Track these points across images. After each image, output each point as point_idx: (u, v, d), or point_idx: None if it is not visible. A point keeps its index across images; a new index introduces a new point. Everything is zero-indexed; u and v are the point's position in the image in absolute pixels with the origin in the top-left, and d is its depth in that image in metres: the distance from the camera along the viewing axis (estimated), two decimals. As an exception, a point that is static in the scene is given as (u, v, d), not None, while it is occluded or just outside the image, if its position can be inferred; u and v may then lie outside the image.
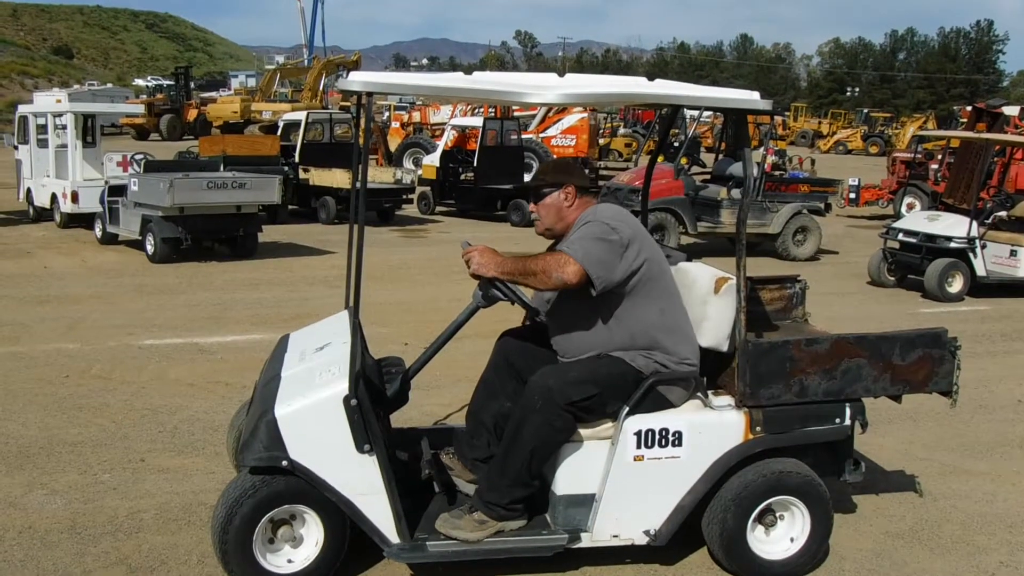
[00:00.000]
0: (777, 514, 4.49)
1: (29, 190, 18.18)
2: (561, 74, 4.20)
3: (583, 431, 4.26)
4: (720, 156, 17.29)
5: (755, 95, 4.33)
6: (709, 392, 4.46)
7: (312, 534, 4.19)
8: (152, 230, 13.44)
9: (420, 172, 21.36)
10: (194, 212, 13.30)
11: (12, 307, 10.29)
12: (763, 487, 4.36)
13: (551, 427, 4.13)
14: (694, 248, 15.91)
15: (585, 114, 27.99)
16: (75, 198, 16.25)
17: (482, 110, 25.99)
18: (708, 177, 16.46)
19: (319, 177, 18.74)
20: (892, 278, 13.15)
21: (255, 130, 37.45)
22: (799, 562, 4.50)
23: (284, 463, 3.99)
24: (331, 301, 10.74)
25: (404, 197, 19.63)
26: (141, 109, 36.14)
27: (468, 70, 4.21)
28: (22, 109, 19.03)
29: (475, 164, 20.16)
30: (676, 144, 25.59)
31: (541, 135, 27.67)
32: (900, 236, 12.84)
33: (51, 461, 5.75)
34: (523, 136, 22.95)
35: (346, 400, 3.97)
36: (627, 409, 4.23)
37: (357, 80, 3.98)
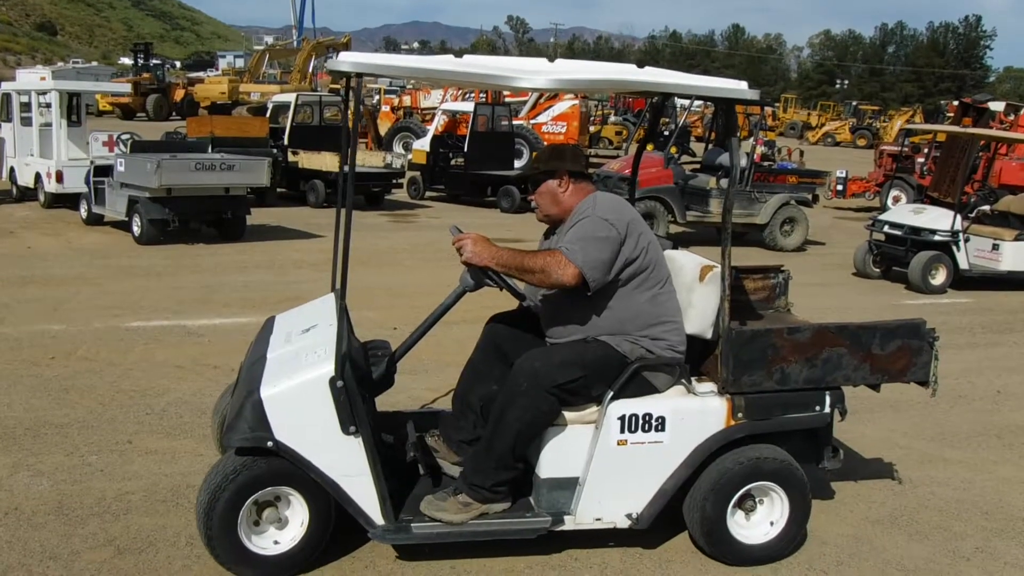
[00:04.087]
0: (757, 499, 4.55)
1: (12, 169, 18.05)
2: (552, 60, 4.21)
3: (568, 415, 4.30)
4: (710, 146, 17.33)
5: (743, 84, 4.36)
6: (692, 378, 4.51)
7: (297, 516, 4.21)
8: (139, 211, 13.38)
9: (410, 157, 21.35)
10: (182, 193, 13.24)
11: (-4, 287, 10.27)
12: (743, 473, 4.41)
13: (536, 409, 4.17)
14: (682, 237, 15.97)
15: (576, 101, 27.99)
16: (60, 178, 16.14)
17: (473, 95, 25.97)
18: (698, 166, 16.51)
19: (308, 160, 18.69)
20: (877, 270, 13.25)
21: (243, 111, 37.36)
22: (778, 546, 4.57)
23: (269, 444, 4.00)
24: (319, 284, 10.74)
25: (394, 181, 19.61)
26: (127, 88, 35.88)
27: (459, 53, 4.21)
28: (5, 86, 18.87)
29: (465, 149, 20.16)
30: (666, 133, 25.63)
31: (532, 121, 27.66)
32: (886, 228, 12.94)
33: (37, 443, 5.75)
34: (514, 122, 22.94)
35: (332, 381, 3.99)
36: (611, 394, 4.27)
37: (347, 61, 3.96)
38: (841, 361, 4.53)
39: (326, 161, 18.24)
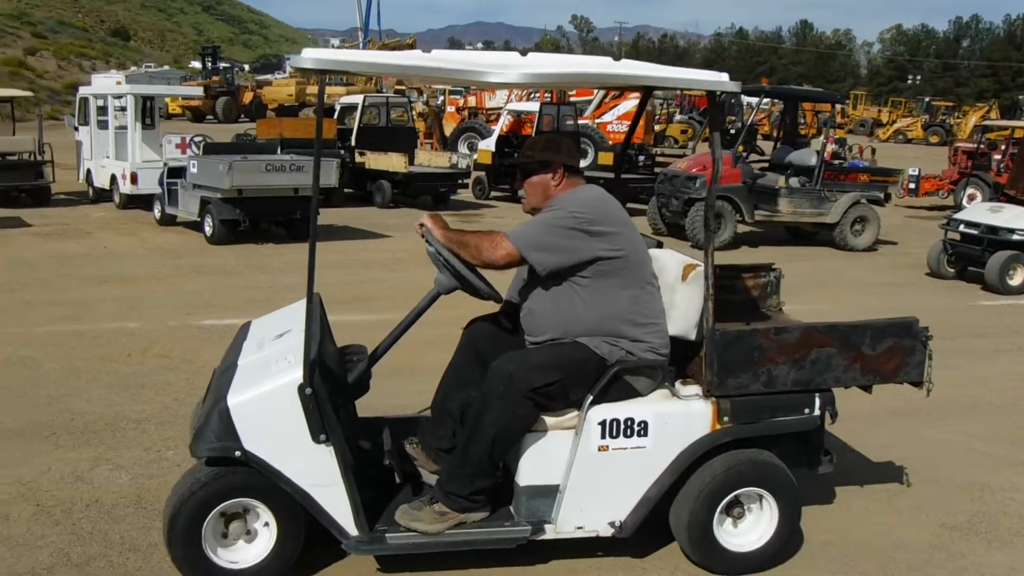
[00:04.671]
0: (745, 506, 4.42)
1: (89, 171, 18.51)
2: (524, 54, 4.12)
3: (547, 420, 4.18)
4: (779, 144, 17.13)
5: (724, 76, 4.20)
6: (677, 381, 4.38)
7: (265, 529, 4.10)
8: (211, 211, 13.63)
9: (475, 157, 21.42)
10: (252, 194, 13.45)
11: (74, 286, 10.53)
12: (730, 478, 4.28)
13: (513, 415, 4.04)
14: (750, 236, 15.80)
15: (641, 99, 27.77)
16: (134, 179, 16.49)
17: (538, 95, 25.94)
18: (766, 165, 16.32)
19: (375, 161, 18.85)
20: (952, 270, 12.95)
21: (310, 113, 37.81)
22: (767, 554, 4.43)
23: (237, 453, 3.89)
24: (386, 284, 10.87)
25: (459, 182, 19.71)
26: (200, 91, 36.60)
27: (427, 49, 4.15)
28: (83, 91, 19.36)
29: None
30: (732, 132, 25.36)
31: (597, 121, 27.54)
32: (961, 227, 12.64)
33: (116, 437, 5.90)
34: (579, 122, 22.87)
35: (300, 388, 3.87)
36: (591, 398, 4.15)
37: (309, 57, 3.78)
38: (830, 362, 4.38)
39: (393, 162, 18.39)
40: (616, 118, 28.06)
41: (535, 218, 4.22)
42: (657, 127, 34.37)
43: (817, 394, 4.40)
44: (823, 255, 14.74)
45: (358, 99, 21.18)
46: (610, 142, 24.52)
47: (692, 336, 4.40)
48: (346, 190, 18.94)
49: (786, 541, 4.47)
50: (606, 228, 4.15)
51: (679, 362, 4.49)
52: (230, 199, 13.37)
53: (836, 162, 17.32)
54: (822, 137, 16.58)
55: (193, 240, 14.03)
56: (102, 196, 18.05)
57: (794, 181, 15.12)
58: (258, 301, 9.89)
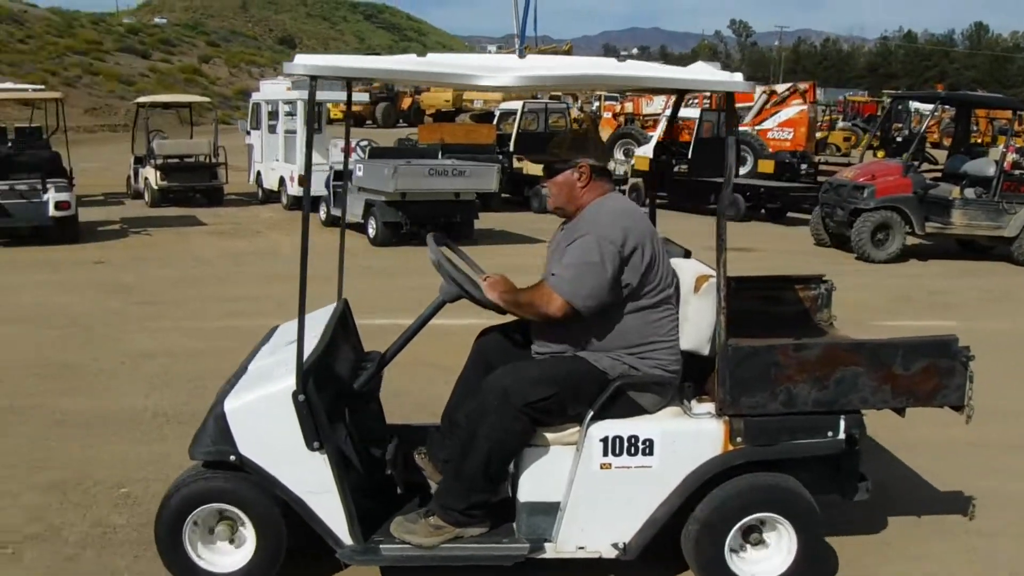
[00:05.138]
0: (762, 533, 4.16)
1: (259, 173, 19.32)
2: (522, 56, 3.98)
3: (548, 435, 4.03)
4: (952, 153, 16.38)
5: (737, 76, 3.93)
6: (693, 399, 4.15)
7: (247, 535, 4.09)
8: (374, 214, 13.97)
9: (632, 163, 21.28)
10: (415, 198, 13.73)
11: (245, 283, 10.96)
12: (744, 503, 4.05)
13: (507, 429, 3.92)
14: (919, 249, 15.16)
15: (804, 106, 27.00)
16: (301, 182, 17.06)
17: (697, 101, 25.59)
18: (939, 175, 15.62)
19: (532, 166, 18.96)
20: None
21: (466, 119, 38.42)
22: None
23: (232, 458, 3.91)
24: (545, 289, 10.81)
25: (616, 188, 19.57)
26: (365, 97, 37.69)
27: (424, 53, 4.05)
28: (255, 97, 20.23)
29: (689, 156, 19.88)
30: (899, 139, 24.40)
31: (757, 127, 26.96)
32: None
33: (287, 431, 6.04)
34: (739, 128, 22.45)
35: (294, 396, 3.84)
36: (591, 414, 3.99)
37: (301, 64, 3.71)
38: (857, 382, 4.03)
39: (550, 167, 18.43)
40: (777, 125, 27.34)
41: (570, 257, 4.03)
42: (819, 135, 33.40)
43: (842, 416, 4.09)
44: (999, 270, 14.01)
45: (517, 105, 21.39)
46: (770, 149, 23.97)
47: (705, 351, 4.16)
48: (503, 195, 19.11)
49: (806, 571, 4.17)
50: (639, 247, 3.99)
51: (700, 378, 4.27)
52: (393, 202, 13.67)
53: (1017, 172, 16.40)
54: (1001, 146, 15.73)
55: (357, 242, 14.37)
56: (270, 197, 18.78)
57: (970, 192, 14.41)
58: (422, 302, 9.95)
